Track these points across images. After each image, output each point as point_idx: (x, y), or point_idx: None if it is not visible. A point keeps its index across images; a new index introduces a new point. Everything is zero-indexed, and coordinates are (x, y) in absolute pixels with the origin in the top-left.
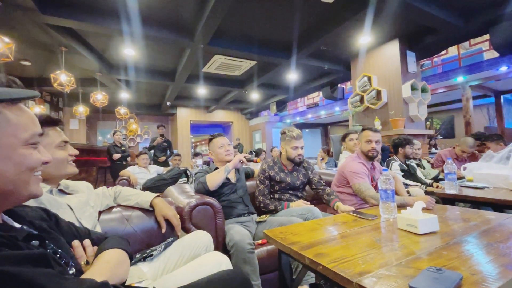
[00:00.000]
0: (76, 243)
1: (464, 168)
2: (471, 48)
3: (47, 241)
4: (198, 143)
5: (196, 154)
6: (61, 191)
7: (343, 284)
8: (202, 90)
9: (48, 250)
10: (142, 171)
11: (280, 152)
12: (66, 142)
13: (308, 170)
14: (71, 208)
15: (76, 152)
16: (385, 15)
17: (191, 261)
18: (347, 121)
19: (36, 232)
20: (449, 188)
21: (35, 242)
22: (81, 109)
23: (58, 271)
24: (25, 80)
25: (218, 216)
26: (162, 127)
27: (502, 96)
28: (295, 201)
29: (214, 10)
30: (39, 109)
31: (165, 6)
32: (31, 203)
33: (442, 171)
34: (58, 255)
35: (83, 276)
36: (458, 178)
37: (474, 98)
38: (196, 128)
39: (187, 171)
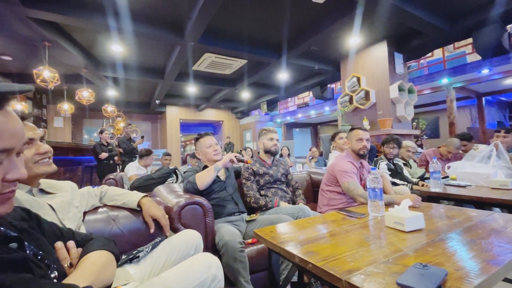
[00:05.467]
0: (59, 244)
1: (448, 167)
2: (455, 51)
3: (26, 243)
4: (188, 142)
5: (193, 156)
6: (42, 190)
7: (332, 282)
8: (192, 89)
9: (28, 252)
10: (144, 171)
11: (258, 152)
12: (30, 139)
13: (285, 166)
14: (53, 208)
15: (45, 149)
16: (374, 17)
17: (180, 261)
18: (336, 121)
19: (15, 234)
20: (434, 186)
21: (13, 245)
22: (66, 107)
23: (39, 275)
24: (5, 75)
25: (208, 215)
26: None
27: (483, 98)
28: (281, 195)
29: (204, 7)
30: (21, 106)
31: (155, 2)
32: None
33: (426, 170)
34: (39, 257)
35: (67, 279)
36: (443, 177)
37: (458, 99)
38: (186, 127)
39: (176, 170)
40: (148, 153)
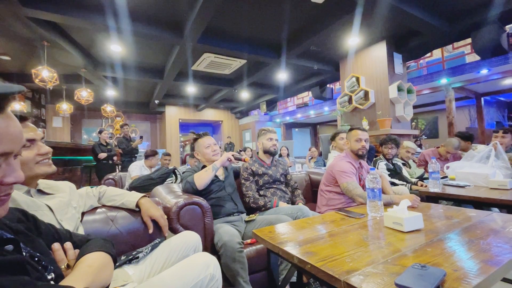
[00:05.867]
0: (56, 246)
1: (447, 167)
2: (454, 51)
3: (23, 245)
4: (187, 142)
5: (192, 156)
6: (40, 191)
7: (331, 283)
8: (191, 89)
9: (25, 254)
10: (147, 170)
11: (257, 152)
12: (32, 140)
13: (285, 166)
14: (51, 209)
15: (47, 150)
16: (373, 17)
17: (178, 262)
18: (335, 121)
19: (11, 236)
20: (433, 186)
21: (9, 247)
22: (65, 107)
23: (35, 277)
24: (4, 75)
25: (207, 216)
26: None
27: (482, 98)
28: (280, 195)
29: (204, 7)
30: (20, 106)
31: (154, 1)
32: None
33: (426, 170)
34: (35, 259)
35: (64, 281)
36: (442, 177)
37: (457, 99)
38: (185, 127)
39: (176, 170)
40: (153, 153)
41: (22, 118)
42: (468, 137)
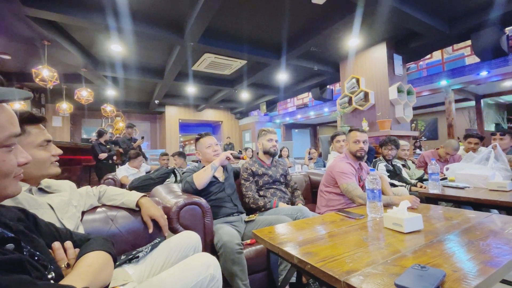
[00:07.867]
0: (56, 245)
1: (447, 169)
2: (454, 53)
3: (23, 244)
4: (187, 142)
5: (179, 154)
6: (41, 190)
7: (331, 283)
8: (191, 89)
9: (25, 253)
10: (134, 171)
11: (257, 153)
12: (49, 141)
13: (285, 167)
14: (52, 208)
15: (60, 152)
16: (373, 18)
17: (178, 262)
18: (335, 121)
19: (12, 235)
20: (432, 188)
21: (10, 246)
22: (65, 106)
23: (35, 276)
24: (4, 74)
25: (207, 216)
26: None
27: (482, 100)
28: (280, 196)
29: (204, 7)
30: (19, 105)
31: (155, 1)
32: (7, 202)
33: (425, 172)
34: (36, 258)
35: (64, 280)
36: (441, 179)
37: (456, 101)
38: (185, 127)
39: (175, 170)
40: (135, 155)
41: (41, 119)
42: (480, 138)
